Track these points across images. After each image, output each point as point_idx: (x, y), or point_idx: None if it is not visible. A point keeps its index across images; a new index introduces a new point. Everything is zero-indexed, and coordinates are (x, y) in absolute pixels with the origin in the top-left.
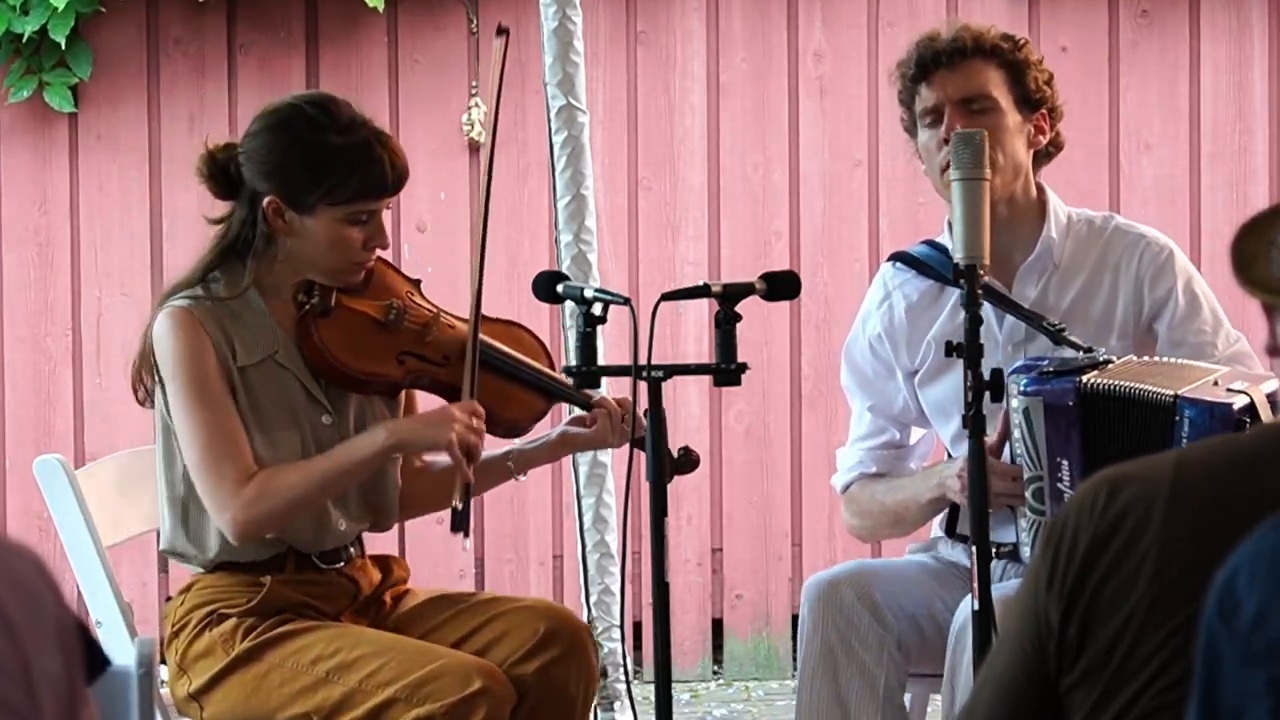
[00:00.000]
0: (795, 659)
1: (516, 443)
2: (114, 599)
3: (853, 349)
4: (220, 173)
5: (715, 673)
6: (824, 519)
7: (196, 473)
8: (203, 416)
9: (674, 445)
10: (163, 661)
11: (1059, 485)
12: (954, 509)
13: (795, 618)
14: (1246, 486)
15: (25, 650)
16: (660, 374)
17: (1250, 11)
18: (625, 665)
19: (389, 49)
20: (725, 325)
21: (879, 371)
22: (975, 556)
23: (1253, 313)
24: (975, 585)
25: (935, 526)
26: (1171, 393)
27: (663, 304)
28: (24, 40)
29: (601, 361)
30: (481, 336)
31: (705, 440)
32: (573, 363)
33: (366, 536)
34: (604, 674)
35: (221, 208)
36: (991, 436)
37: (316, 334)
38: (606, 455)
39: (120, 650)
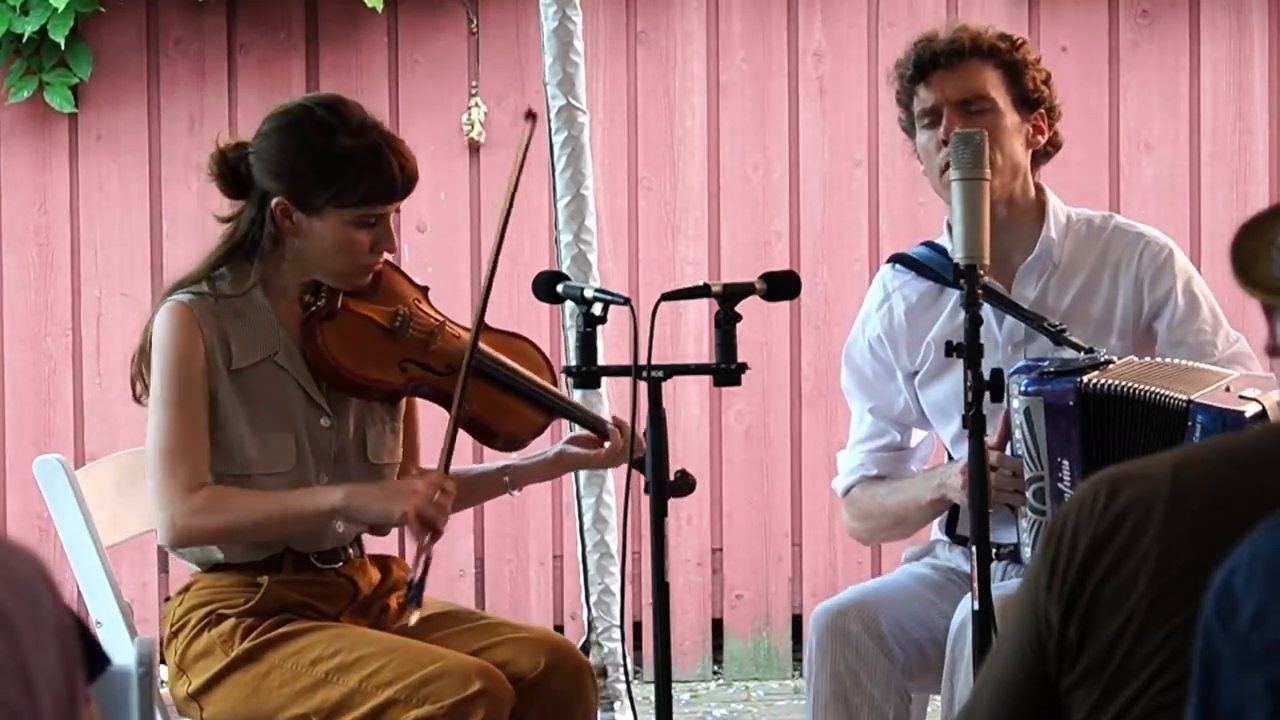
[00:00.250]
0: (795, 659)
1: (513, 458)
2: (114, 599)
3: (853, 351)
4: (230, 172)
5: (715, 673)
6: (824, 519)
7: (150, 464)
8: (172, 414)
9: (674, 445)
10: (162, 661)
11: (1060, 485)
12: (954, 510)
13: (795, 618)
14: (1246, 486)
15: (25, 650)
16: (660, 374)
17: (1250, 12)
18: (625, 665)
19: (389, 49)
20: (725, 325)
21: (879, 373)
22: (975, 557)
23: (1253, 313)
24: (975, 586)
25: (934, 529)
26: (1185, 397)
27: (663, 304)
28: (24, 40)
29: (601, 361)
30: (484, 348)
31: (705, 440)
32: (573, 363)
33: (366, 536)
34: (604, 674)
35: (229, 206)
36: (992, 437)
37: (320, 337)
38: None
39: (120, 650)
